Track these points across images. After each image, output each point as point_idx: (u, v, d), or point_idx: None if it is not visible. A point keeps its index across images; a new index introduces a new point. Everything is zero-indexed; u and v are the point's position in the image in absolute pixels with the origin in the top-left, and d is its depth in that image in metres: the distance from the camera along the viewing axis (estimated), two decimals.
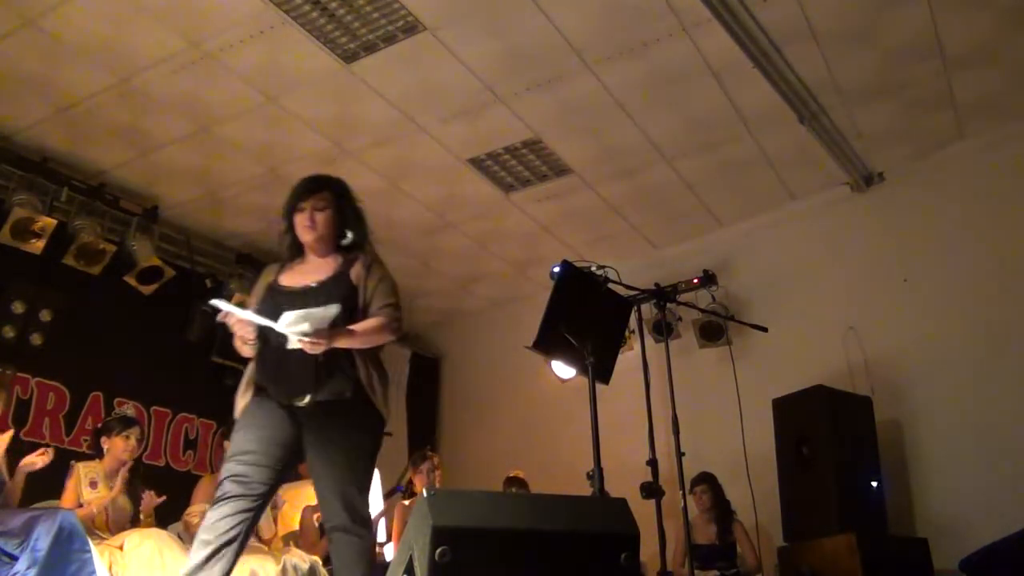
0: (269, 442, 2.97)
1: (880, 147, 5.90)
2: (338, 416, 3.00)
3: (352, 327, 2.96)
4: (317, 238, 3.17)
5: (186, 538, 4.26)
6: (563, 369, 6.30)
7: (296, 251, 3.25)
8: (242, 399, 3.13)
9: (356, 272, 3.14)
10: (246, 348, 3.05)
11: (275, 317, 2.86)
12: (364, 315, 3.07)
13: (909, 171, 6.05)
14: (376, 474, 6.19)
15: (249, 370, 3.12)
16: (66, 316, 5.48)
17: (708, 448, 5.35)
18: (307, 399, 2.98)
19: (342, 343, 2.91)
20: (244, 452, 2.95)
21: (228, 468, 2.94)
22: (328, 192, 3.22)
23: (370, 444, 3.16)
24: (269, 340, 2.96)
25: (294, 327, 2.79)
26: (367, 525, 3.01)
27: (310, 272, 3.17)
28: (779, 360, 5.84)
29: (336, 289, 3.06)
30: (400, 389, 7.71)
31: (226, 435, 4.82)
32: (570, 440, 4.84)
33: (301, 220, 3.17)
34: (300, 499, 5.20)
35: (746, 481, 5.04)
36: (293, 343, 2.82)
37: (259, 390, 3.08)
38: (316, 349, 2.83)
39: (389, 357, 8.60)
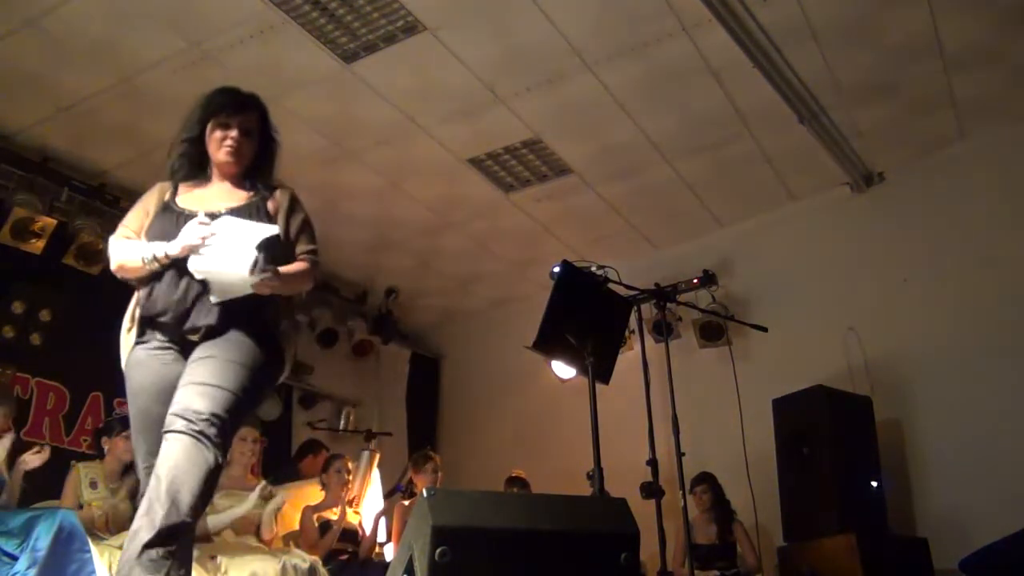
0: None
1: (880, 147, 5.90)
2: (234, 340, 2.59)
3: (284, 269, 2.64)
4: (238, 162, 2.84)
5: None
6: (563, 369, 6.30)
7: (197, 169, 2.85)
8: (128, 342, 2.72)
9: (275, 204, 2.82)
10: (146, 268, 2.66)
11: (170, 240, 2.60)
12: (288, 255, 2.75)
13: (909, 171, 6.05)
14: (376, 474, 6.22)
15: (135, 303, 2.76)
16: (66, 316, 5.48)
17: (708, 448, 5.35)
18: (202, 331, 2.60)
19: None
20: (150, 440, 2.55)
21: (142, 458, 2.59)
22: (256, 114, 2.92)
23: (261, 374, 2.62)
24: (172, 264, 2.62)
25: (245, 260, 2.50)
26: (217, 437, 2.41)
27: (216, 197, 2.78)
28: (779, 360, 5.84)
29: (252, 219, 2.71)
30: (400, 389, 7.73)
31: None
32: (570, 440, 4.84)
33: (222, 138, 2.81)
34: (300, 499, 5.21)
35: (746, 481, 5.04)
36: (247, 287, 2.52)
37: (144, 331, 2.69)
38: (270, 289, 2.56)
39: (390, 357, 8.63)
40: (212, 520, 4.36)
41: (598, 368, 3.65)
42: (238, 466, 4.66)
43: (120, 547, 3.81)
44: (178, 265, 2.62)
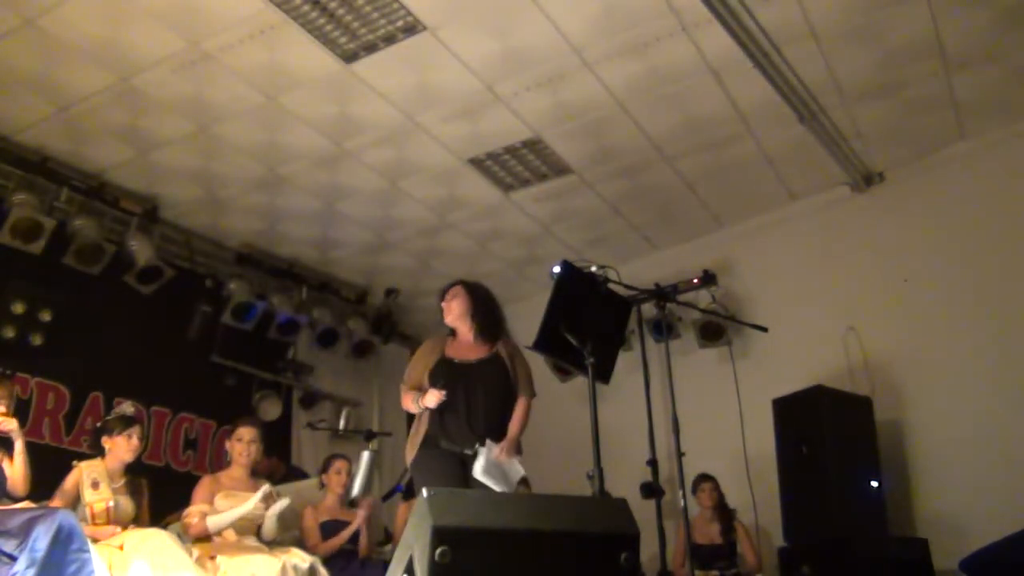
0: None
1: (880, 147, 5.90)
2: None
3: (514, 428, 4.06)
4: (452, 320, 4.21)
5: (186, 538, 4.25)
6: (562, 369, 6.31)
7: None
8: (412, 448, 3.95)
9: (505, 351, 4.13)
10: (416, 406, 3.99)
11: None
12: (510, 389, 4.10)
13: (909, 171, 6.04)
14: (376, 474, 6.20)
15: (423, 426, 3.96)
16: (66, 316, 5.48)
17: (708, 448, 5.33)
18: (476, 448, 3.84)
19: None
20: None
21: None
22: (459, 287, 4.29)
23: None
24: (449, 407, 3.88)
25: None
26: None
27: (468, 349, 4.10)
28: (779, 360, 5.84)
29: (494, 369, 4.07)
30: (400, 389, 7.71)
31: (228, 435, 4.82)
32: (570, 440, 4.84)
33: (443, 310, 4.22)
34: (300, 499, 5.20)
35: (746, 481, 5.04)
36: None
37: (427, 441, 3.92)
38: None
39: (390, 357, 8.60)
40: (212, 520, 4.35)
41: (598, 368, 3.65)
42: (238, 467, 4.65)
43: (120, 547, 3.84)
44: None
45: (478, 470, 3.76)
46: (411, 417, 7.53)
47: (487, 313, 4.20)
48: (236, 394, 6.59)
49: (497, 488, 3.72)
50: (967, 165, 5.83)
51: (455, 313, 4.20)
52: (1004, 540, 4.21)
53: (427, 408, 3.93)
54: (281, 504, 4.54)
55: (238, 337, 6.50)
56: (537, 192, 6.19)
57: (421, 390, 4.04)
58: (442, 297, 4.29)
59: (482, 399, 3.96)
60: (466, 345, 4.16)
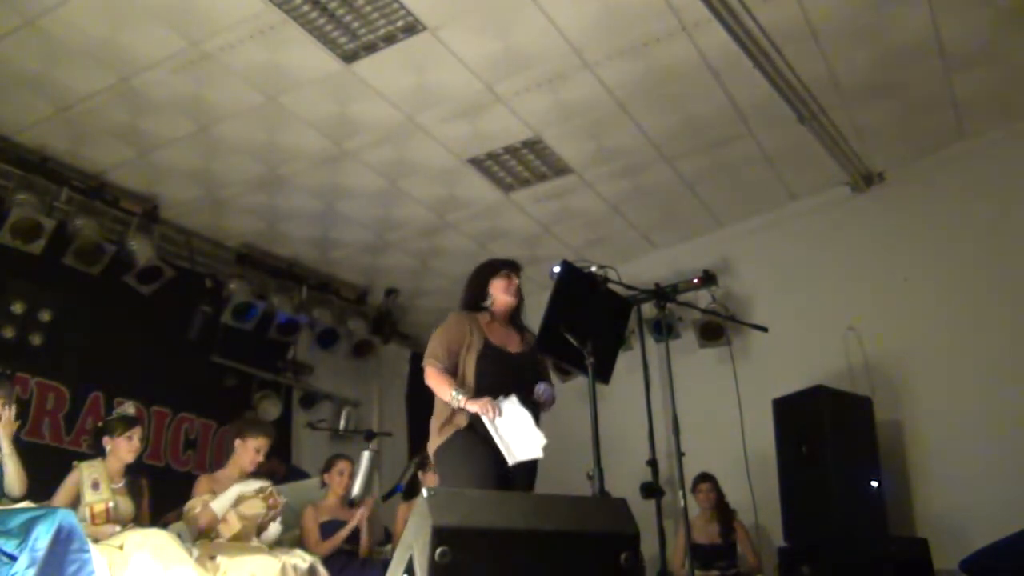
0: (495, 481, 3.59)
1: (880, 147, 5.90)
2: None
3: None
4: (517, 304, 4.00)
5: (186, 536, 4.25)
6: (562, 369, 6.29)
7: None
8: (443, 433, 3.74)
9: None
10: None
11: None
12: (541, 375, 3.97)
13: (909, 171, 6.05)
14: (376, 474, 6.19)
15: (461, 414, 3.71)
16: (66, 316, 5.48)
17: (708, 448, 5.33)
18: None
19: None
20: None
21: None
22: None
23: None
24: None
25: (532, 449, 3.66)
26: None
27: (508, 339, 3.93)
28: (779, 360, 5.84)
29: (534, 362, 3.95)
30: (400, 389, 7.72)
31: (231, 433, 4.80)
32: (570, 440, 4.84)
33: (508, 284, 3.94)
34: (301, 499, 5.20)
35: (746, 481, 5.04)
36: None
37: (469, 428, 3.69)
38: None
39: (390, 357, 8.57)
40: (215, 503, 4.34)
41: (598, 368, 3.64)
42: (236, 467, 4.63)
43: (120, 547, 3.84)
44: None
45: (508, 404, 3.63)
46: (413, 411, 7.64)
47: (522, 304, 4.08)
48: (236, 394, 6.59)
49: (512, 433, 3.59)
50: (967, 165, 5.83)
51: (519, 296, 3.98)
52: (1004, 540, 4.22)
53: (464, 409, 3.66)
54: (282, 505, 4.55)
55: (238, 337, 6.50)
56: (537, 192, 6.19)
57: (458, 375, 3.77)
58: (510, 269, 4.00)
59: (527, 392, 3.78)
60: (503, 332, 3.94)
